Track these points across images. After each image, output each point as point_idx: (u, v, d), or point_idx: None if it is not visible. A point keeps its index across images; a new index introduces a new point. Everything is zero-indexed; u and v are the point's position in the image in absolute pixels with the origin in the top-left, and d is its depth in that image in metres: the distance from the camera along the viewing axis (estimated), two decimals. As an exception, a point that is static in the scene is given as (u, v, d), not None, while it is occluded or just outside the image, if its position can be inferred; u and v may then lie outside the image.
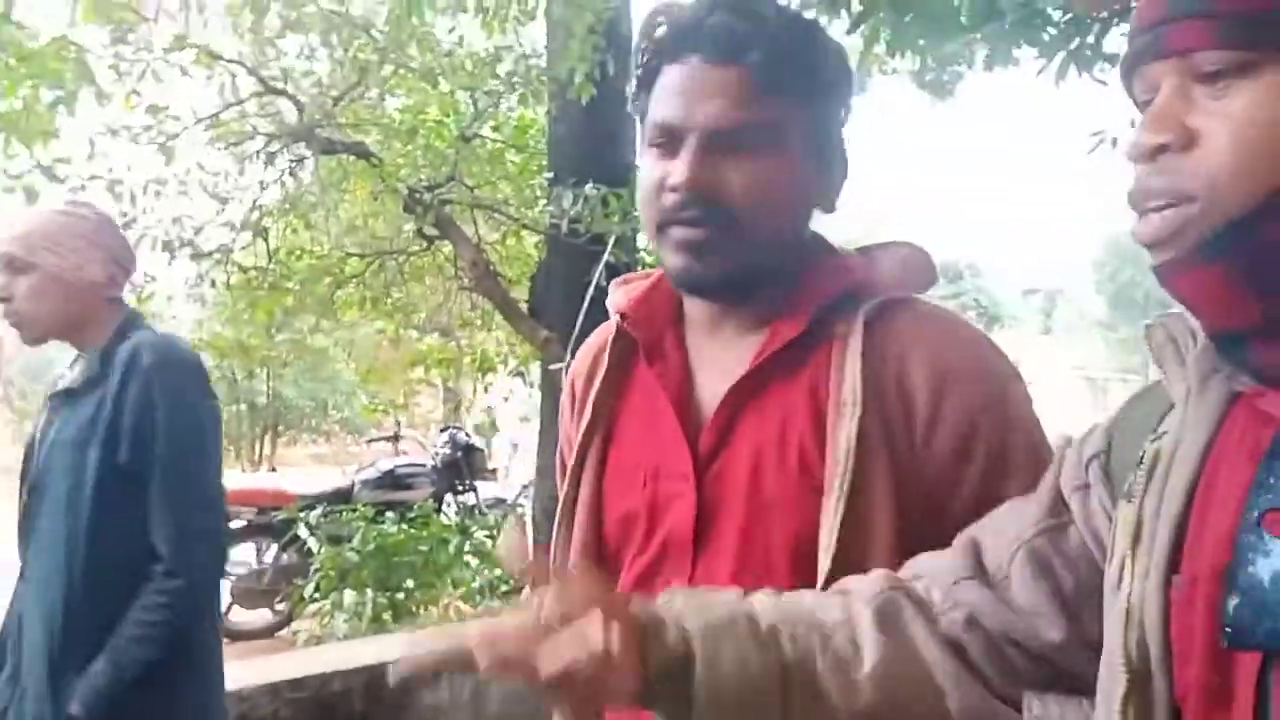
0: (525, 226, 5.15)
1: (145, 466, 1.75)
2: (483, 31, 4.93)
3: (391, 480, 6.48)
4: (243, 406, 14.95)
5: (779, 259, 1.04)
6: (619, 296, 1.16)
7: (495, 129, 5.49)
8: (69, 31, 4.24)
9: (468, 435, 6.89)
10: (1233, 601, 0.61)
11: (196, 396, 1.82)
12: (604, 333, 1.17)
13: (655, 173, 1.02)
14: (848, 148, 1.09)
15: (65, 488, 1.79)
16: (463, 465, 6.55)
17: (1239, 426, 0.67)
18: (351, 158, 5.01)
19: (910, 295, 1.06)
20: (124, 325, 1.88)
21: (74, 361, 1.91)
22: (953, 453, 0.98)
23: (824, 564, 0.94)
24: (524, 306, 4.91)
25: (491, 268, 5.07)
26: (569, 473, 1.13)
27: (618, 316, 1.13)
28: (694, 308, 1.10)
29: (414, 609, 4.67)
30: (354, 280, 5.56)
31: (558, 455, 1.24)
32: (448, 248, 5.26)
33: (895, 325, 1.01)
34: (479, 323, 6.48)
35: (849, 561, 0.93)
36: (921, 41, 3.44)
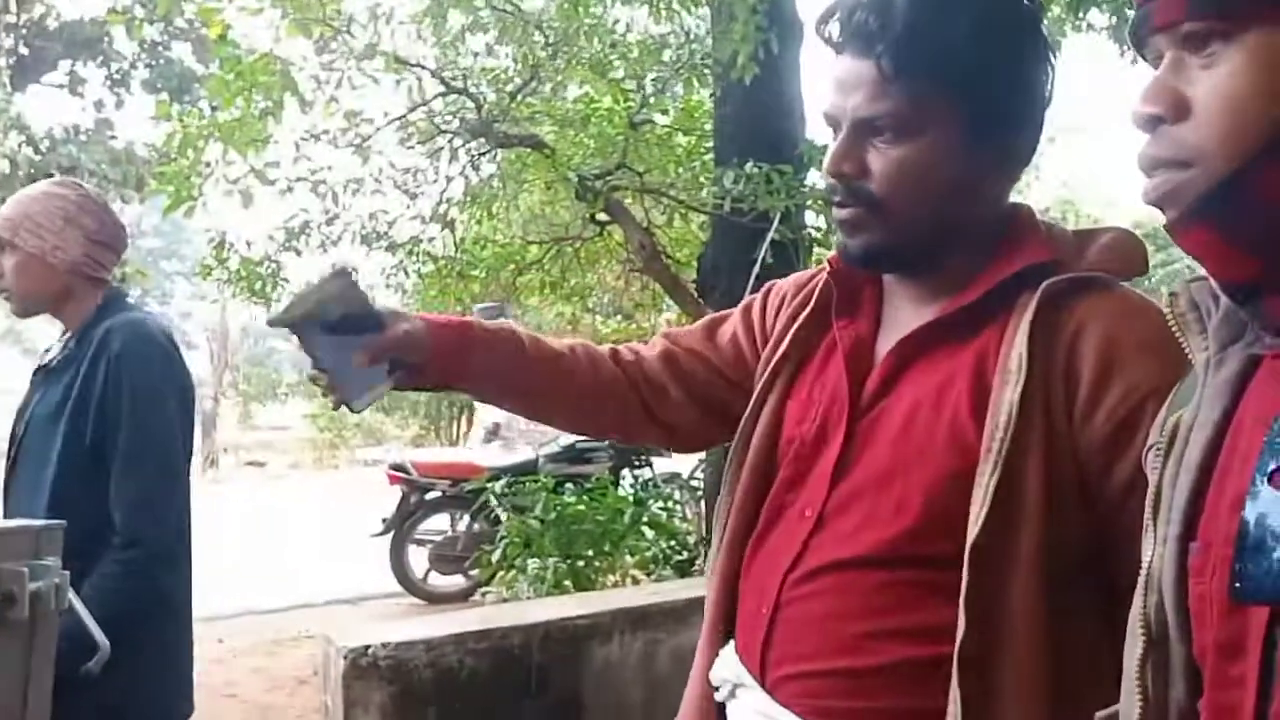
0: (690, 208, 5.27)
1: (109, 443, 1.80)
2: (650, 19, 5.08)
3: (572, 454, 6.78)
4: (440, 388, 15.76)
5: (937, 236, 1.08)
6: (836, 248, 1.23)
7: (663, 113, 5.63)
8: (275, 47, 4.68)
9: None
10: (1242, 557, 0.62)
11: (161, 377, 1.86)
12: (820, 273, 1.23)
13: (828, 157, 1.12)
14: (1039, 113, 1.09)
15: (37, 460, 1.86)
16: (639, 441, 6.76)
17: (1259, 390, 0.68)
18: (527, 150, 5.27)
19: (1103, 276, 1.05)
20: (105, 306, 1.92)
21: (60, 338, 1.98)
22: (1111, 433, 0.97)
23: (974, 527, 0.96)
24: (693, 287, 5.03)
25: (660, 250, 5.23)
26: (754, 397, 1.20)
27: (828, 263, 1.20)
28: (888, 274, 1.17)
29: (592, 576, 4.90)
30: (534, 266, 5.84)
31: (737, 318, 1.32)
32: (620, 233, 5.45)
33: (1077, 302, 1.02)
34: (651, 304, 6.66)
35: (1000, 523, 0.95)
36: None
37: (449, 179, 5.49)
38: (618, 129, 5.29)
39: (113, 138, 15.17)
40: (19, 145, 14.17)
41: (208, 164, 4.80)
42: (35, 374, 2.02)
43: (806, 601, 1.05)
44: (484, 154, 5.38)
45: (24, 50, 14.68)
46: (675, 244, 5.92)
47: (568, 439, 7.02)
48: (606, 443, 6.86)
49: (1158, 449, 0.73)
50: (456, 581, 6.52)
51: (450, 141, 5.20)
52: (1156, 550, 0.70)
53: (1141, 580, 0.71)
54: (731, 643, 1.15)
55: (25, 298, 1.96)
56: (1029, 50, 1.08)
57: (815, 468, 1.10)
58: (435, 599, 6.48)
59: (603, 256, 6.09)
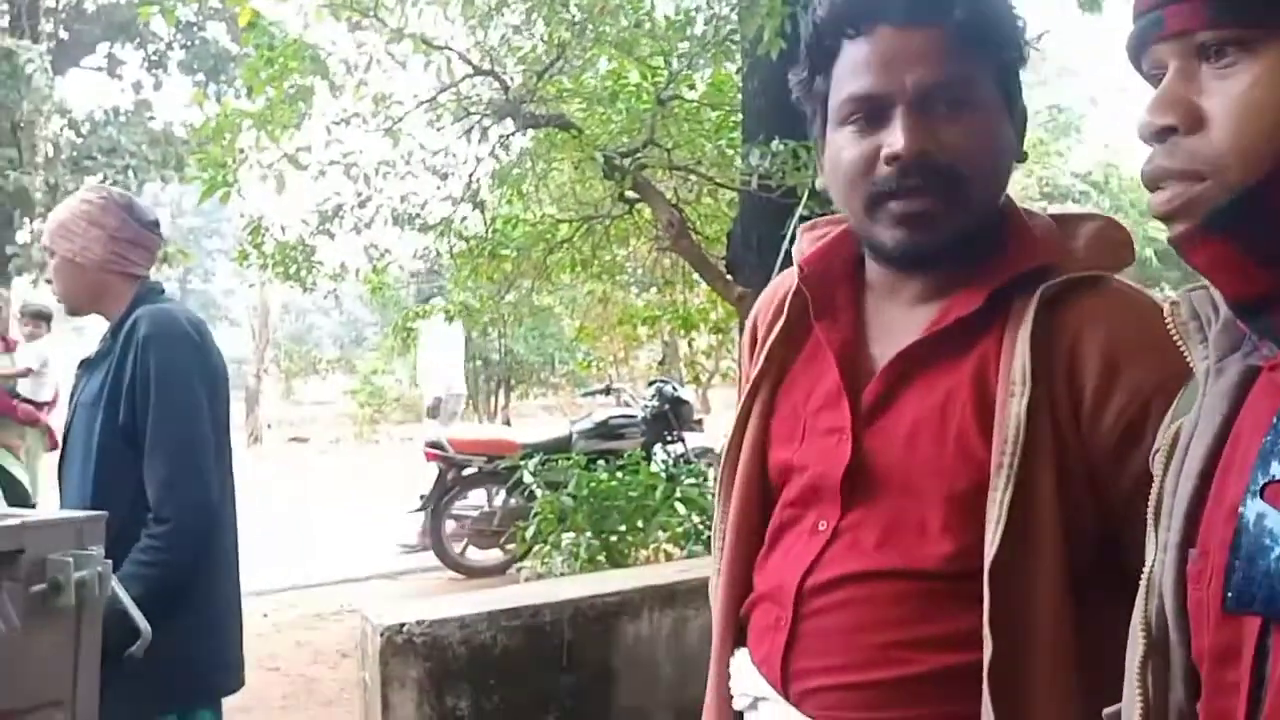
0: (718, 184, 5.26)
1: (141, 426, 1.93)
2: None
3: (605, 430, 6.83)
4: (478, 363, 15.92)
5: (989, 225, 1.04)
6: (804, 244, 1.19)
7: (691, 88, 5.61)
8: (304, 33, 4.72)
9: (675, 388, 7.13)
10: (1236, 568, 0.63)
11: (185, 360, 1.97)
12: (788, 280, 1.18)
13: (859, 148, 1.02)
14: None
15: (81, 445, 2.00)
16: (671, 416, 6.80)
17: (1257, 401, 0.68)
18: (555, 129, 5.28)
19: (1098, 273, 1.03)
20: (138, 299, 2.05)
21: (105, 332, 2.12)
22: (1120, 435, 0.96)
23: (991, 547, 0.95)
24: (722, 264, 5.03)
25: (689, 227, 5.23)
26: (737, 415, 1.18)
27: (797, 268, 1.15)
28: (875, 271, 1.11)
29: (625, 551, 4.95)
30: (564, 244, 5.87)
31: (738, 394, 1.27)
32: (648, 210, 5.46)
33: (1075, 304, 1.00)
34: (682, 280, 6.67)
35: (1017, 536, 0.95)
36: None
37: (478, 160, 5.52)
38: (645, 105, 5.27)
39: (151, 119, 15.36)
40: (61, 129, 14.39)
41: (242, 150, 4.87)
42: (79, 366, 2.16)
43: (830, 613, 1.03)
44: (511, 134, 5.40)
45: (64, 34, 14.89)
46: (705, 220, 5.92)
47: (601, 415, 7.09)
48: (639, 418, 6.92)
49: (1160, 455, 0.74)
50: (493, 556, 6.63)
51: (480, 122, 5.23)
52: (1158, 556, 0.71)
53: (1143, 584, 0.72)
54: (743, 652, 1.14)
55: (67, 298, 2.12)
56: (1024, 28, 1.06)
57: (824, 483, 1.07)
58: (472, 573, 6.59)
59: (633, 233, 6.10)
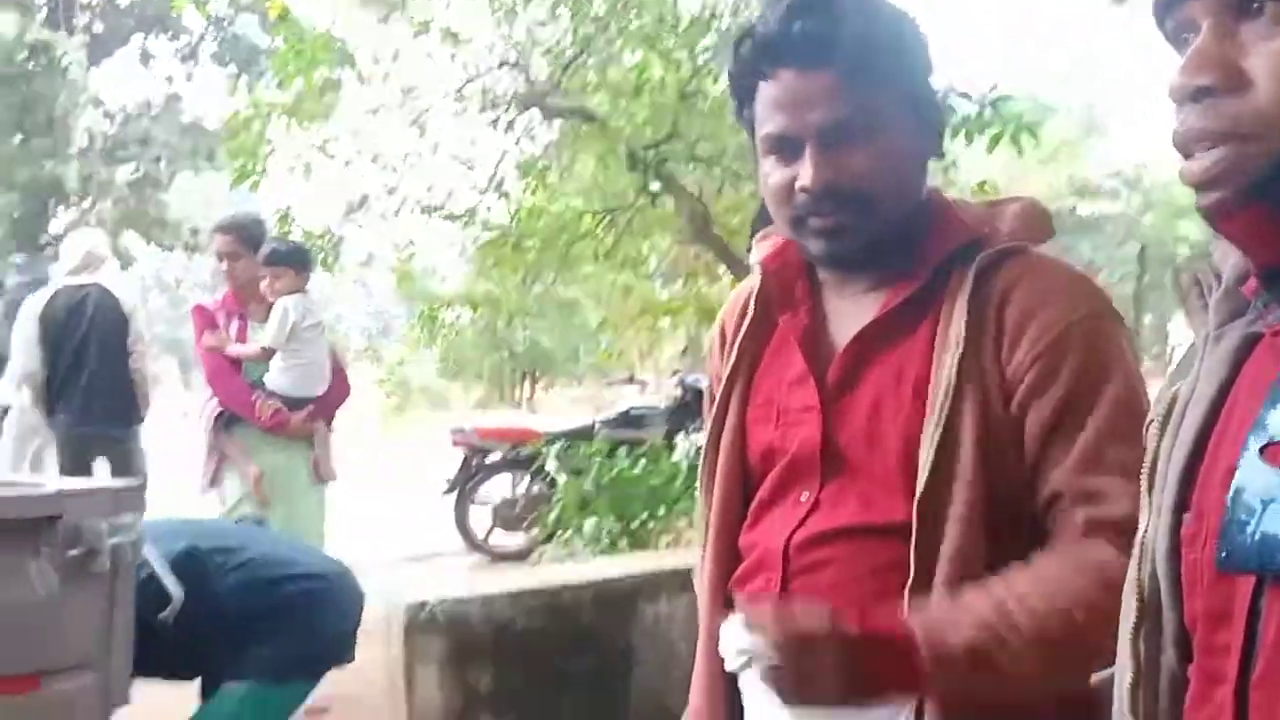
0: (739, 176, 5.30)
1: None
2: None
3: (627, 420, 6.90)
4: (504, 354, 16.02)
5: (909, 222, 1.13)
6: (759, 250, 1.26)
7: (714, 82, 5.64)
8: (331, 25, 4.80)
9: (697, 379, 7.18)
10: (1230, 529, 0.63)
11: None
12: (750, 284, 1.27)
13: (780, 177, 1.13)
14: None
15: None
16: (693, 407, 6.85)
17: (1256, 366, 0.67)
18: (580, 121, 5.34)
19: (1024, 245, 1.12)
20: None
21: None
22: (1034, 372, 1.05)
23: (922, 477, 1.05)
24: (746, 255, 5.06)
25: (712, 218, 5.28)
26: (714, 408, 1.25)
27: (758, 268, 1.24)
28: (823, 269, 1.20)
29: (646, 537, 5.00)
30: (587, 236, 5.92)
31: (706, 391, 1.35)
32: (672, 202, 5.50)
33: (1004, 270, 1.10)
34: (705, 271, 6.71)
35: (941, 478, 1.04)
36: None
37: (504, 151, 5.58)
38: (669, 98, 5.32)
39: (182, 110, 15.55)
40: (95, 120, 14.62)
41: (270, 140, 4.95)
42: None
43: (817, 569, 1.11)
44: (536, 127, 5.46)
45: (98, 27, 15.11)
46: (729, 211, 5.95)
47: (623, 405, 7.15)
48: (662, 408, 6.98)
49: (1156, 421, 0.74)
50: (517, 540, 6.72)
51: (505, 112, 5.29)
52: (1151, 520, 0.71)
53: (1136, 549, 0.72)
54: (735, 615, 1.18)
55: None
56: (926, 43, 1.16)
57: (802, 459, 1.15)
58: (497, 556, 6.69)
59: (656, 225, 6.14)
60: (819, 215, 1.11)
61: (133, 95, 15.09)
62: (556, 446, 5.90)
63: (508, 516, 6.62)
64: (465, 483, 6.65)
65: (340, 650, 2.38)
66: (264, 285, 3.76)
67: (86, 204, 15.89)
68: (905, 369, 1.11)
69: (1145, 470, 0.73)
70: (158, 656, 1.90)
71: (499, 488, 6.85)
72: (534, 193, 6.08)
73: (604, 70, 5.63)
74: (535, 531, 5.99)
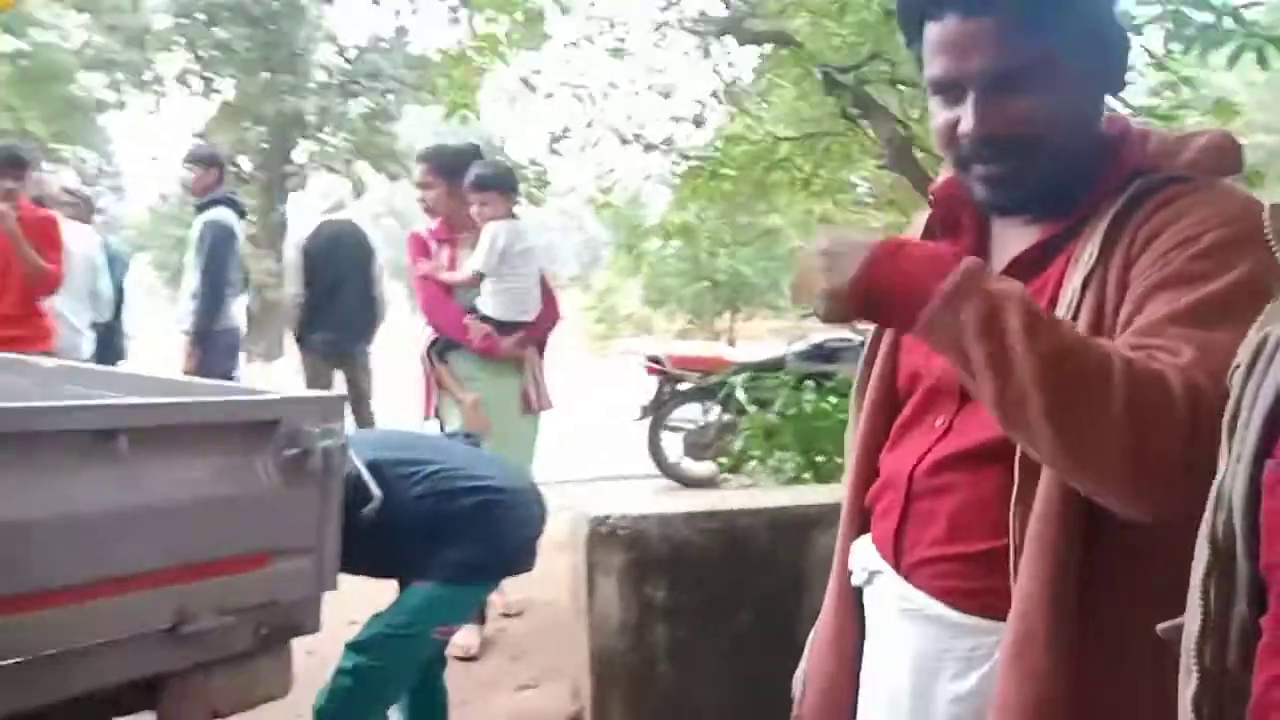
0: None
1: None
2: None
3: (819, 353, 6.87)
4: (705, 284, 16.13)
5: (1078, 160, 1.11)
6: (939, 178, 1.28)
7: None
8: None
9: (893, 312, 6.99)
10: None
11: None
12: (926, 213, 1.29)
13: (944, 118, 1.13)
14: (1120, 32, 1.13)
15: None
16: (888, 341, 6.71)
17: None
18: (778, 45, 5.26)
19: (1193, 175, 1.08)
20: None
21: None
22: (1149, 258, 1.01)
23: None
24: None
25: (916, 144, 5.09)
26: (872, 333, 1.29)
27: (929, 197, 1.25)
28: None
29: (831, 471, 4.99)
30: (783, 163, 5.85)
31: None
32: (873, 127, 5.35)
33: (1159, 196, 1.06)
34: (907, 201, 6.50)
35: None
36: None
37: (703, 79, 5.59)
38: (874, 15, 5.13)
39: (408, 44, 16.30)
40: (330, 56, 15.59)
41: (480, 73, 5.16)
42: None
43: (936, 495, 1.15)
44: (734, 52, 5.42)
45: (332, -35, 15.95)
46: (931, 135, 5.72)
47: (818, 337, 7.10)
48: (857, 342, 6.88)
49: (1242, 366, 0.72)
50: (707, 467, 6.86)
51: (702, 40, 5.29)
52: (1230, 467, 0.69)
53: (1212, 496, 0.70)
54: (865, 536, 1.26)
55: None
56: None
57: (943, 385, 1.16)
58: (687, 482, 6.86)
59: (856, 151, 6.00)
60: (980, 162, 1.11)
61: (364, 31, 15.93)
62: (743, 376, 5.96)
63: (696, 444, 6.76)
64: (657, 410, 6.83)
65: (519, 559, 2.54)
66: (473, 210, 3.78)
67: (324, 135, 17.05)
68: (1045, 292, 1.10)
69: (1227, 416, 0.71)
70: (357, 554, 2.12)
71: (691, 415, 7.00)
72: (733, 120, 6.06)
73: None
74: (724, 460, 6.10)
